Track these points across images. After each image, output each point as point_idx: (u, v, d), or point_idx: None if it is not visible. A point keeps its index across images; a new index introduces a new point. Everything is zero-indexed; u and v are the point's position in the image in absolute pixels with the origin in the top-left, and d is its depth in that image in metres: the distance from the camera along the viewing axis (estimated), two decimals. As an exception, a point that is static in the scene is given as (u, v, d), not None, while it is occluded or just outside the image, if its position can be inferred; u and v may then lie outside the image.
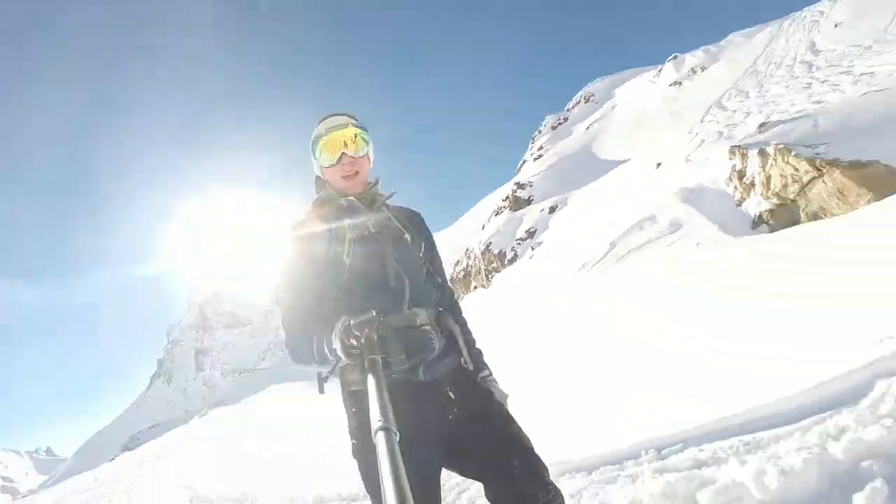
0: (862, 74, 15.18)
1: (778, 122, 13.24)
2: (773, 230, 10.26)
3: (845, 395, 2.54)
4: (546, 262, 20.42)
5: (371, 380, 1.15)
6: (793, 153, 10.13)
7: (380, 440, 0.94)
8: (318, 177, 1.71)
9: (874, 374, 2.60)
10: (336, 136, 1.61)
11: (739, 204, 11.49)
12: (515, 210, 34.90)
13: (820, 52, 21.71)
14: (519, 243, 29.95)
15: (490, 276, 30.46)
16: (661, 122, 30.10)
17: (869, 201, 8.87)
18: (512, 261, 29.11)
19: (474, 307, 18.14)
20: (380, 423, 0.98)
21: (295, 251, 1.56)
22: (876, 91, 12.50)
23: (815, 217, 9.44)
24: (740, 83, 25.26)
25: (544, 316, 11.66)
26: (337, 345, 1.29)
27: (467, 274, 35.70)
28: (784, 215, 10.07)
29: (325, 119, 1.68)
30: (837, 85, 15.53)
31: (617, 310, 8.37)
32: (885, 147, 9.05)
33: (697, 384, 3.80)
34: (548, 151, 44.92)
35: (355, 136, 1.62)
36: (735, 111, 20.78)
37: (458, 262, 38.13)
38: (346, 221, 1.57)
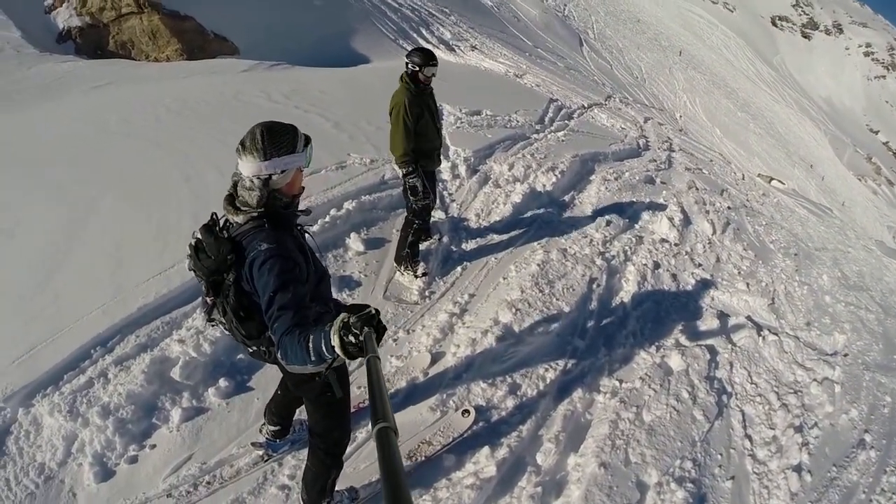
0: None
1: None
2: (78, 50, 8.69)
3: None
4: None
5: (372, 379, 1.04)
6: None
7: (380, 439, 0.86)
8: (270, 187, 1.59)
9: None
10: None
11: (49, 12, 9.09)
12: None
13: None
14: None
15: None
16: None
17: (176, 50, 9.00)
18: None
19: None
20: (380, 423, 0.90)
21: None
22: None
23: (122, 47, 8.65)
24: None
25: None
26: (336, 342, 1.23)
27: None
28: (92, 37, 8.70)
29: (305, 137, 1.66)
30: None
31: None
32: (201, 9, 9.46)
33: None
34: None
35: None
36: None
37: None
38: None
